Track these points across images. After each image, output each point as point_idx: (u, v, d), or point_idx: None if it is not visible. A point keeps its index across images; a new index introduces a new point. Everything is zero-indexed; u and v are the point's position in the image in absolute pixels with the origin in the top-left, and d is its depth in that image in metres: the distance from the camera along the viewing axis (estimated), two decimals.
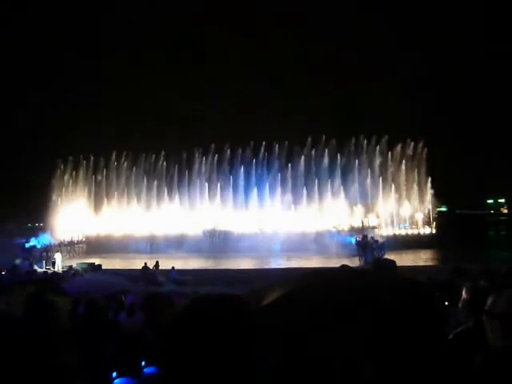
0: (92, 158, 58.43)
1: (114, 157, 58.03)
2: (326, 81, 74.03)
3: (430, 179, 52.51)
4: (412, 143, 53.09)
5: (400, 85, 75.37)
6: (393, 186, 52.29)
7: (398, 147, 53.25)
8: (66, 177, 58.23)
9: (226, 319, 1.25)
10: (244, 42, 77.88)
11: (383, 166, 53.11)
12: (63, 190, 57.72)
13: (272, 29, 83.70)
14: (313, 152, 54.55)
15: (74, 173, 58.44)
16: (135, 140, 59.60)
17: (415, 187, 52.47)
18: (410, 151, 53.09)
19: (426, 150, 52.69)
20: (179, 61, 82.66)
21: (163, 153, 57.26)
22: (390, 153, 53.36)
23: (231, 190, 54.64)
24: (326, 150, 54.13)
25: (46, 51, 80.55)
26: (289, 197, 53.20)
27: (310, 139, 54.88)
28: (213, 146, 56.43)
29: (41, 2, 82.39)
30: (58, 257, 30.07)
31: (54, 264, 29.31)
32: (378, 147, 53.53)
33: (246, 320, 1.28)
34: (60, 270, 27.88)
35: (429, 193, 52.62)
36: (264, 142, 55.77)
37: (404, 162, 52.84)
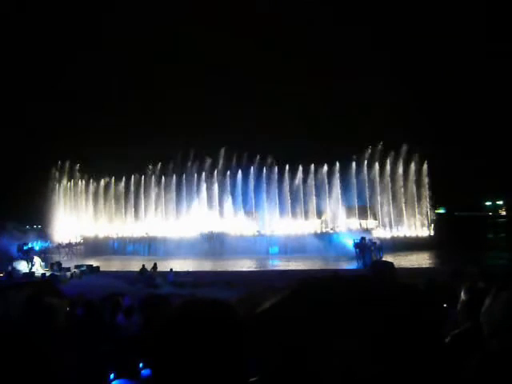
0: (89, 160, 58.44)
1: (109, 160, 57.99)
2: (326, 86, 74.18)
3: (428, 181, 52.53)
4: (410, 146, 53.12)
5: (398, 87, 75.51)
6: (391, 188, 52.30)
7: (397, 150, 53.28)
8: (65, 179, 58.20)
9: (214, 324, 1.25)
10: (244, 42, 78.02)
11: (381, 169, 53.07)
12: (61, 192, 57.66)
13: (272, 30, 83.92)
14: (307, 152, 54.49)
15: (72, 175, 58.43)
16: (134, 142, 59.64)
17: (413, 189, 52.48)
18: (408, 154, 53.11)
19: (424, 152, 52.74)
20: (179, 61, 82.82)
21: (160, 155, 57.26)
22: (388, 155, 53.39)
23: (229, 192, 54.49)
24: (325, 152, 54.11)
25: (45, 52, 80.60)
26: (287, 199, 53.12)
27: (308, 141, 54.92)
28: (211, 149, 56.38)
29: (41, 2, 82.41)
30: (37, 260, 28.97)
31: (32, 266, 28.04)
32: (376, 149, 53.52)
33: (234, 326, 1.28)
34: (39, 272, 26.81)
35: (427, 195, 52.66)
36: (263, 146, 55.80)
37: (402, 164, 52.85)
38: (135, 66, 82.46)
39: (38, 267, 28.16)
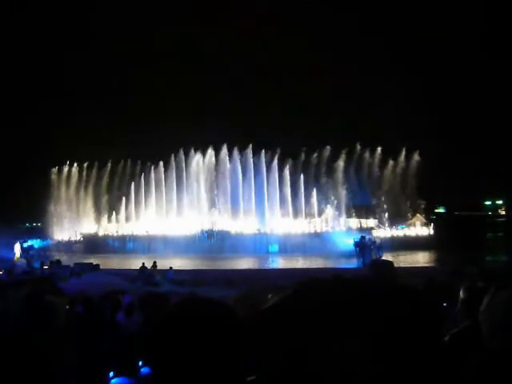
0: (87, 160, 58.42)
1: (110, 159, 57.99)
2: (326, 86, 74.32)
3: (427, 180, 52.45)
4: (410, 145, 53.05)
5: (397, 86, 75.56)
6: (391, 186, 52.23)
7: (397, 149, 53.19)
8: (64, 178, 58.19)
9: (212, 322, 1.25)
10: (244, 42, 78.07)
11: (381, 167, 53.03)
12: (61, 191, 57.62)
13: (273, 30, 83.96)
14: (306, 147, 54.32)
15: (71, 174, 58.38)
16: (133, 141, 59.58)
17: (413, 188, 52.40)
18: (408, 153, 53.03)
19: (424, 151, 52.66)
20: (179, 61, 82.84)
21: (160, 153, 57.14)
22: (387, 154, 53.33)
23: (229, 190, 54.33)
24: (325, 150, 53.98)
25: (44, 53, 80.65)
26: (287, 198, 52.99)
27: (308, 139, 54.74)
28: (211, 146, 56.17)
29: (40, 2, 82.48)
30: (17, 247, 27.61)
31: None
32: (375, 148, 53.46)
33: (232, 324, 1.29)
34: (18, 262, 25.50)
35: (427, 194, 52.60)
36: (263, 145, 55.63)
37: (402, 163, 52.77)
38: (135, 66, 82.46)
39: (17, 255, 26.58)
